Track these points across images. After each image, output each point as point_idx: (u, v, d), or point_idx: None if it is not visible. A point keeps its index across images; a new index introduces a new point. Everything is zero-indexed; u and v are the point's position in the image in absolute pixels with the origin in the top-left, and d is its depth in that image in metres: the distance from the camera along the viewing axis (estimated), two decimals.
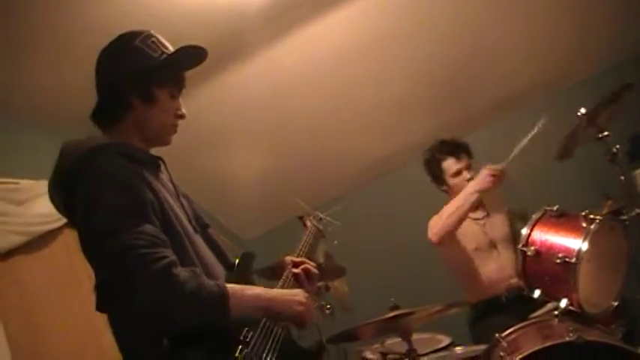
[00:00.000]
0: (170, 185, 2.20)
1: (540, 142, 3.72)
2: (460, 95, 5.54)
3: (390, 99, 5.46)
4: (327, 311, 4.17)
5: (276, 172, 5.83)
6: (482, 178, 3.82)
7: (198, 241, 2.11)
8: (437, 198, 4.26)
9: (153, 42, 2.16)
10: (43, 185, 4.18)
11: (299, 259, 2.42)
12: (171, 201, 2.04)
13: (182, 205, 2.17)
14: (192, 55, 2.19)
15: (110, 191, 1.83)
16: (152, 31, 2.20)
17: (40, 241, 4.11)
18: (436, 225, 3.88)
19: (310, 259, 2.51)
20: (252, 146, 5.68)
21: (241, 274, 2.16)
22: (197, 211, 2.31)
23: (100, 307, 1.89)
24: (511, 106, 5.67)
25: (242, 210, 6.09)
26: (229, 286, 1.84)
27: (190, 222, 2.13)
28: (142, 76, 2.11)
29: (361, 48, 5.01)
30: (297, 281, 2.31)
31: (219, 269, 2.12)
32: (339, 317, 4.15)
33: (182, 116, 2.22)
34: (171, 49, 2.19)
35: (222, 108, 5.05)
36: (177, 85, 2.21)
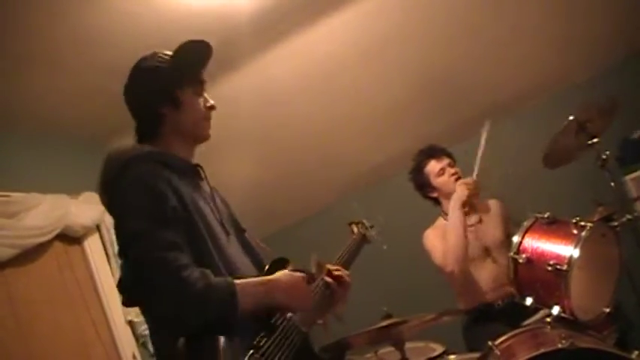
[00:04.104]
0: (208, 191, 2.37)
1: (530, 150, 3.73)
2: (455, 101, 5.54)
3: (383, 106, 5.46)
4: (319, 321, 4.16)
5: (269, 181, 5.83)
6: (458, 192, 3.94)
7: (230, 243, 2.24)
8: (429, 206, 4.27)
9: (159, 56, 2.31)
10: (34, 198, 4.18)
11: (335, 267, 2.56)
12: (201, 205, 2.18)
13: (217, 208, 2.32)
14: (195, 49, 2.30)
15: (138, 198, 1.99)
16: (157, 50, 2.33)
17: (32, 253, 4.10)
18: (446, 257, 3.92)
19: (348, 265, 2.74)
20: (244, 155, 5.68)
21: None
22: (234, 216, 2.50)
23: (125, 303, 2.14)
24: (506, 111, 5.68)
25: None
26: (239, 282, 1.95)
27: (223, 226, 2.26)
28: (161, 86, 2.26)
29: (353, 56, 5.01)
30: (328, 289, 2.47)
31: (249, 271, 2.23)
32: (331, 327, 4.14)
33: (212, 107, 2.39)
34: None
35: (215, 118, 5.02)
36: (195, 81, 2.35)
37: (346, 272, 2.57)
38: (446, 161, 4.15)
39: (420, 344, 3.65)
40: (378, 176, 6.00)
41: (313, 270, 2.48)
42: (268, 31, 4.51)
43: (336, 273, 2.52)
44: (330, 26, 4.71)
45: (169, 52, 2.31)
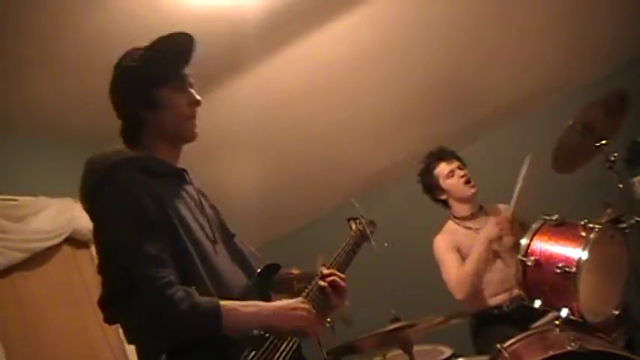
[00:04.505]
0: (195, 195, 2.24)
1: (538, 152, 3.72)
2: (459, 105, 5.54)
3: (389, 109, 5.46)
4: (327, 324, 4.15)
5: (275, 184, 5.83)
6: (490, 227, 3.88)
7: (217, 255, 2.12)
8: (437, 208, 4.27)
9: (135, 53, 2.19)
10: (41, 202, 4.19)
11: (328, 271, 2.37)
12: (186, 215, 2.06)
13: (204, 217, 2.20)
14: (171, 43, 2.17)
15: (117, 209, 1.90)
16: (137, 46, 2.22)
17: (39, 257, 4.11)
18: (458, 285, 3.91)
19: (345, 266, 2.56)
20: (249, 158, 5.68)
21: (259, 286, 2.17)
22: (223, 221, 2.43)
23: (107, 320, 1.94)
24: (510, 114, 5.67)
25: (241, 222, 6.06)
26: (226, 303, 1.86)
27: (210, 235, 2.15)
28: (136, 87, 2.14)
29: (358, 59, 5.01)
30: (322, 294, 2.28)
31: (238, 279, 2.15)
32: (340, 330, 4.14)
33: (197, 103, 2.24)
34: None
35: (220, 121, 5.04)
36: (174, 77, 2.20)
37: (341, 275, 2.38)
38: (455, 164, 4.16)
39: (428, 347, 3.65)
40: (384, 179, 5.99)
41: (319, 272, 2.40)
42: (274, 34, 4.51)
43: (330, 278, 2.33)
44: (336, 30, 4.71)
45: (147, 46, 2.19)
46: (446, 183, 4.15)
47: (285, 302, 2.07)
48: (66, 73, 3.98)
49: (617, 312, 2.81)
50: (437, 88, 5.37)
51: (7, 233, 3.94)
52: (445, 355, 3.53)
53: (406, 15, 4.79)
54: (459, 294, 3.88)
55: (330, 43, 4.82)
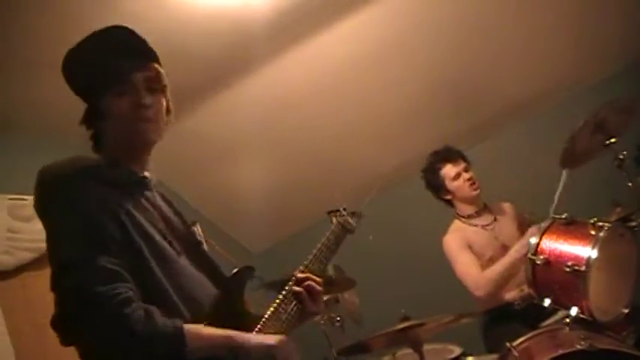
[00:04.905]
0: (157, 202, 2.07)
1: (547, 150, 3.72)
2: (467, 105, 5.54)
3: (398, 109, 5.46)
4: (337, 324, 4.16)
5: (285, 185, 5.84)
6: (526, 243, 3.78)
7: (182, 265, 1.95)
8: (446, 208, 4.27)
9: (74, 59, 2.03)
10: None
11: (303, 275, 2.12)
12: (146, 225, 1.89)
13: (167, 225, 2.02)
14: (101, 40, 1.98)
15: (67, 223, 1.75)
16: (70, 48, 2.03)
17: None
18: (479, 283, 3.89)
19: (324, 264, 2.28)
20: (260, 159, 5.69)
21: (229, 294, 1.99)
22: (190, 229, 2.17)
23: (62, 342, 1.77)
24: (518, 114, 5.66)
25: (251, 223, 6.10)
26: (191, 327, 1.73)
27: (173, 244, 1.97)
28: (82, 97, 2.01)
29: (367, 59, 5.02)
30: (297, 300, 2.06)
31: (205, 290, 1.97)
32: (350, 329, 4.14)
33: (142, 105, 1.95)
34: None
35: (230, 122, 5.06)
36: (114, 81, 1.95)
37: (317, 279, 2.12)
38: (462, 165, 4.18)
39: (438, 346, 3.65)
40: (393, 179, 5.98)
41: (294, 276, 2.22)
42: (282, 34, 4.52)
43: (306, 283, 2.09)
44: (344, 30, 4.71)
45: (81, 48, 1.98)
46: (452, 185, 4.18)
47: (263, 336, 1.89)
48: None
49: (626, 310, 2.81)
50: (445, 88, 5.36)
51: (16, 233, 3.96)
52: (455, 354, 3.53)
53: (414, 15, 4.79)
54: (480, 292, 3.87)
55: (338, 44, 4.82)
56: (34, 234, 4.00)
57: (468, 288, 3.94)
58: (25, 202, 4.09)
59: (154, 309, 1.68)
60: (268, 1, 4.12)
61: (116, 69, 1.95)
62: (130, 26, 2.02)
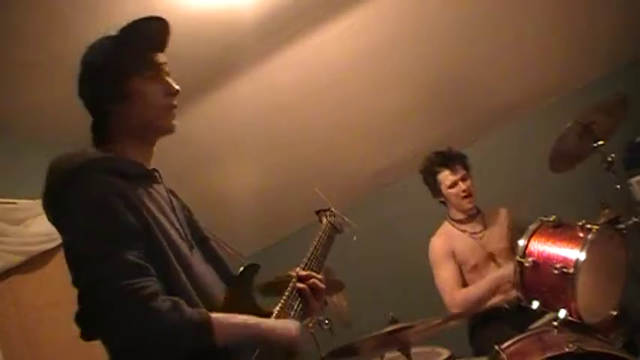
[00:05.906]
0: (166, 197, 2.06)
1: (536, 153, 3.73)
2: (457, 107, 5.54)
3: (387, 111, 5.45)
4: (326, 326, 4.15)
5: (274, 188, 5.82)
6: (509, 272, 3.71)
7: (194, 259, 1.96)
8: (436, 210, 4.27)
9: (106, 43, 2.02)
10: (40, 205, 4.18)
11: (305, 273, 2.17)
12: (161, 219, 1.90)
13: (178, 219, 2.03)
14: (142, 28, 2.01)
15: (90, 216, 1.73)
16: (105, 34, 2.04)
17: (38, 260, 4.10)
18: (455, 300, 3.92)
19: (322, 263, 2.33)
20: (249, 162, 5.67)
21: (239, 289, 2.03)
22: (197, 224, 2.21)
23: (83, 336, 1.80)
24: (508, 116, 5.67)
25: (240, 226, 6.07)
26: (218, 316, 1.74)
27: (186, 238, 2.00)
28: (104, 78, 1.97)
29: (357, 61, 5.01)
30: (301, 297, 2.09)
31: (217, 288, 2.00)
32: (338, 332, 4.14)
33: (175, 92, 2.02)
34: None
35: (219, 125, 5.05)
36: (147, 65, 2.00)
37: (319, 277, 2.18)
38: (460, 174, 4.10)
39: (427, 349, 3.65)
40: (383, 181, 5.99)
41: (295, 273, 2.25)
42: (272, 37, 4.51)
43: (311, 281, 2.14)
44: (335, 32, 4.71)
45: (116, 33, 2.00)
46: (447, 192, 4.13)
47: (281, 321, 1.95)
48: (64, 76, 3.92)
49: (615, 313, 2.82)
50: (435, 90, 5.36)
51: (5, 236, 3.94)
52: (443, 357, 3.53)
53: (404, 18, 4.79)
54: (455, 309, 3.89)
55: (328, 46, 4.82)
56: (23, 237, 4.00)
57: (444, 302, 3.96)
58: (14, 205, 4.07)
59: (180, 300, 1.69)
60: (258, 3, 4.11)
61: (149, 53, 2.01)
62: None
